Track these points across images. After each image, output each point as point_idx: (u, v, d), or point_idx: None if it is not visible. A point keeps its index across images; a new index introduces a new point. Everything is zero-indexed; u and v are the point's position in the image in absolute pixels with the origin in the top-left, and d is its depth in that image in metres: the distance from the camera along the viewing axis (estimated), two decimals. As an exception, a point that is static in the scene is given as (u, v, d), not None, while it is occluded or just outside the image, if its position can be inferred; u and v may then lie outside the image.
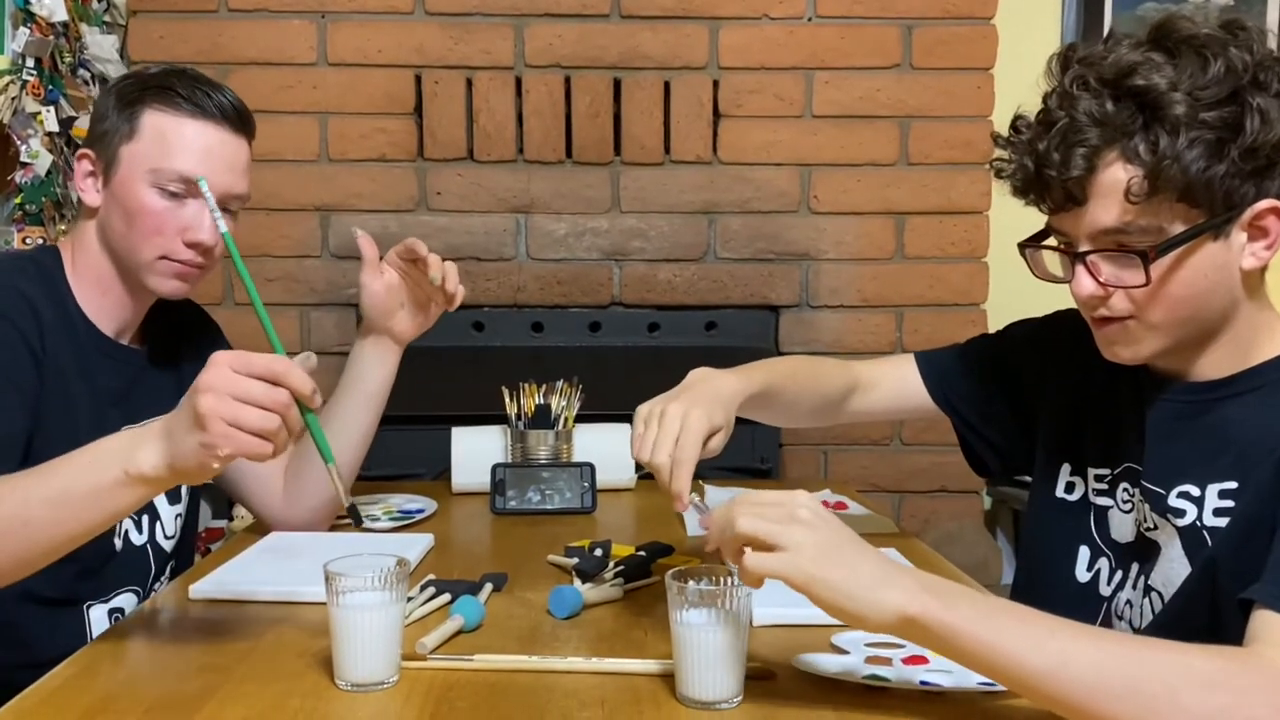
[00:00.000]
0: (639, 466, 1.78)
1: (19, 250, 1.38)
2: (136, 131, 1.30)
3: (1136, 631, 1.05)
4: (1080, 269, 1.01)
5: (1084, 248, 1.00)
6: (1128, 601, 1.07)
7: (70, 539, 1.02)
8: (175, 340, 1.45)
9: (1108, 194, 0.96)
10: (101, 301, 1.33)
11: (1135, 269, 0.97)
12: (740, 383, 1.18)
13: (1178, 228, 0.96)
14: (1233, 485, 0.98)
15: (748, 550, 0.88)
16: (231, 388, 0.94)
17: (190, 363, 1.44)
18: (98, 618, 1.31)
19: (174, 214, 1.30)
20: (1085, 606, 1.10)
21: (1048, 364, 1.23)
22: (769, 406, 1.27)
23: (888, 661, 1.00)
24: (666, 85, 2.37)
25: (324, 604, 0.97)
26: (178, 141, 1.29)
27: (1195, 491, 1.01)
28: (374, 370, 1.46)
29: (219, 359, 0.95)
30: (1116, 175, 0.96)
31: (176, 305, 1.42)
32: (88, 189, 1.32)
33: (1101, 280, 1.00)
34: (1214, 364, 1.03)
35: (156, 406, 1.34)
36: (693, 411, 1.09)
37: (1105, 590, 1.10)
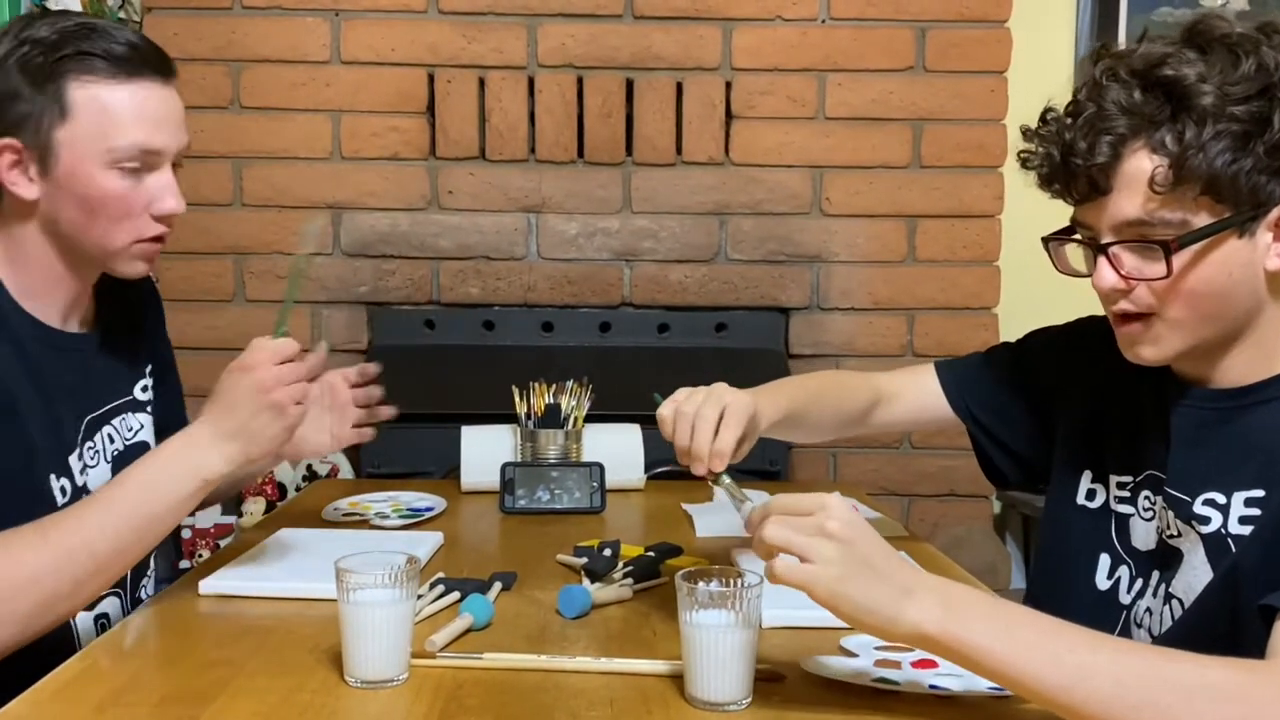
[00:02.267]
0: (649, 466, 1.78)
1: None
2: (68, 111, 1.15)
3: (1156, 639, 1.05)
4: (1102, 260, 1.00)
5: (1107, 239, 0.99)
6: (1147, 609, 1.07)
7: (145, 553, 1.13)
8: (126, 312, 1.35)
9: (1132, 183, 0.96)
10: (43, 292, 1.22)
11: (1157, 261, 0.97)
12: (768, 407, 1.21)
13: (1202, 221, 0.95)
14: (1259, 493, 0.97)
15: (777, 555, 0.89)
16: (281, 377, 1.11)
17: (143, 334, 1.37)
18: (84, 624, 1.24)
19: (138, 192, 1.19)
20: (1105, 614, 1.09)
21: (1069, 371, 1.22)
22: (793, 429, 1.30)
23: (897, 665, 1.00)
24: (679, 86, 2.37)
25: (334, 601, 0.97)
26: (122, 112, 1.16)
27: (1221, 499, 1.00)
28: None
29: (259, 358, 1.12)
30: (1142, 164, 0.95)
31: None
32: (17, 181, 1.16)
33: (1123, 273, 0.99)
34: (1238, 369, 1.02)
35: (114, 391, 1.30)
36: (742, 398, 1.15)
37: (1125, 598, 1.10)
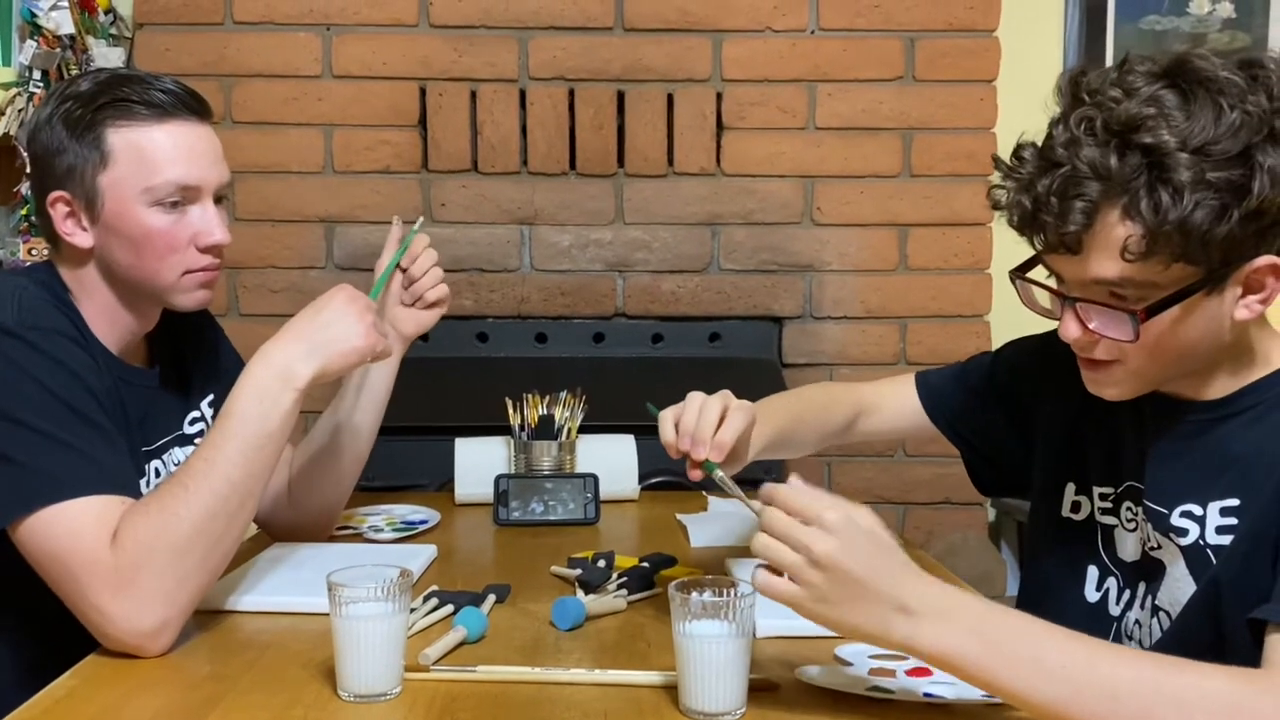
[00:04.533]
0: (643, 477, 1.78)
1: (20, 275, 1.28)
2: (108, 157, 1.20)
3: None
4: (1069, 313, 0.99)
5: (1075, 293, 0.99)
6: (1136, 621, 1.07)
7: (271, 470, 1.16)
8: (181, 350, 1.41)
9: (1103, 248, 0.93)
10: (110, 329, 1.27)
11: (1124, 324, 0.96)
12: (757, 432, 1.22)
13: (1171, 282, 0.93)
14: (1234, 502, 0.98)
15: (761, 569, 0.90)
16: (371, 307, 1.23)
17: (198, 369, 1.41)
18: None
19: (182, 226, 1.23)
20: (1096, 626, 1.09)
21: (1047, 381, 1.21)
22: (779, 450, 1.31)
23: (891, 673, 1.00)
24: (670, 97, 2.37)
25: (327, 615, 0.97)
26: (158, 152, 1.21)
27: (1197, 511, 1.00)
28: (378, 371, 1.47)
29: (355, 293, 1.24)
30: (1114, 232, 0.92)
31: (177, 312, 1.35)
32: (73, 231, 1.22)
33: (1090, 327, 0.98)
34: (1211, 385, 1.03)
35: (166, 426, 1.34)
36: (745, 404, 1.16)
37: (1115, 610, 1.10)
